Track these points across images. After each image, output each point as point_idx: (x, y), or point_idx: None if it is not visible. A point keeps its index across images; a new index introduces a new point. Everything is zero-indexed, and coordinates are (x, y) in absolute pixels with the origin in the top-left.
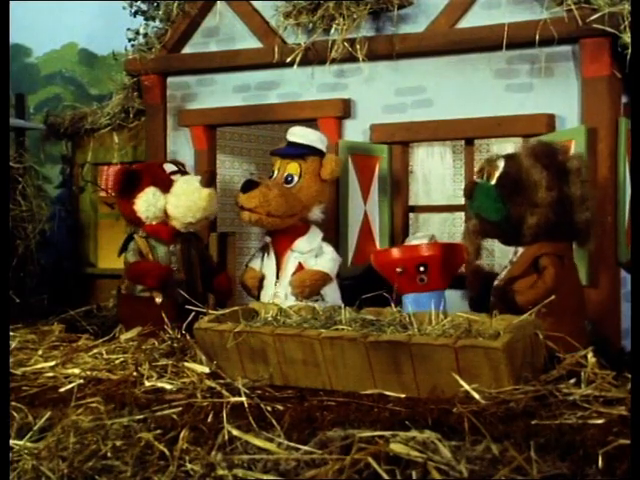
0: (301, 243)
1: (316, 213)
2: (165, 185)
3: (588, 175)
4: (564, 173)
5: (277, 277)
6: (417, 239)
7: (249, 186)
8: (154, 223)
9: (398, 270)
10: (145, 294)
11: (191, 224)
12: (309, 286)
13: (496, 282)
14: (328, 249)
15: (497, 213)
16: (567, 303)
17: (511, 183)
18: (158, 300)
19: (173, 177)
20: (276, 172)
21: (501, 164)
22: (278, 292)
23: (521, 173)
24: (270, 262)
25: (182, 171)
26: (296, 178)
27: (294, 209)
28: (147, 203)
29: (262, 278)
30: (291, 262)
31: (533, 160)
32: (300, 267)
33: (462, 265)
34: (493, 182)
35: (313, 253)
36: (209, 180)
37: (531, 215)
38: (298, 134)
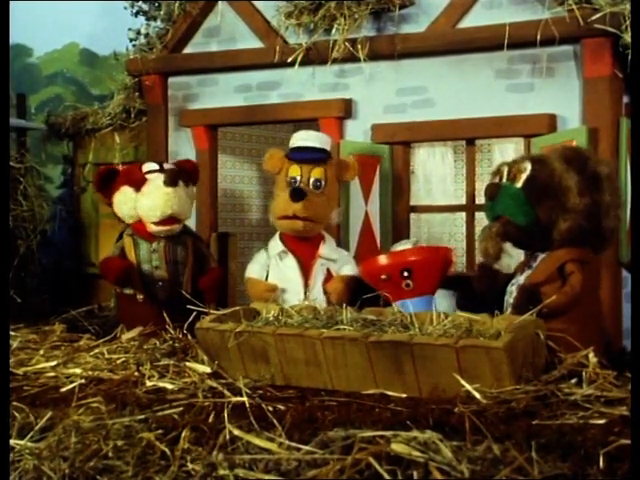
0: (326, 250)
1: (334, 217)
2: (138, 184)
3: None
4: (596, 179)
5: (306, 285)
6: (401, 245)
7: (301, 195)
8: (131, 222)
9: (382, 277)
10: (129, 292)
11: (157, 224)
12: (349, 291)
13: (513, 286)
14: (346, 253)
15: (525, 217)
16: (591, 310)
17: (541, 187)
18: (139, 297)
19: (148, 176)
20: (299, 178)
21: (528, 167)
22: (312, 300)
23: (552, 177)
24: (291, 270)
25: (164, 170)
26: (323, 183)
27: (329, 214)
28: (120, 202)
29: (276, 289)
30: (320, 269)
31: (566, 164)
32: (329, 274)
33: (449, 269)
34: (519, 185)
35: (335, 259)
36: (171, 178)
37: (564, 221)
38: (314, 138)
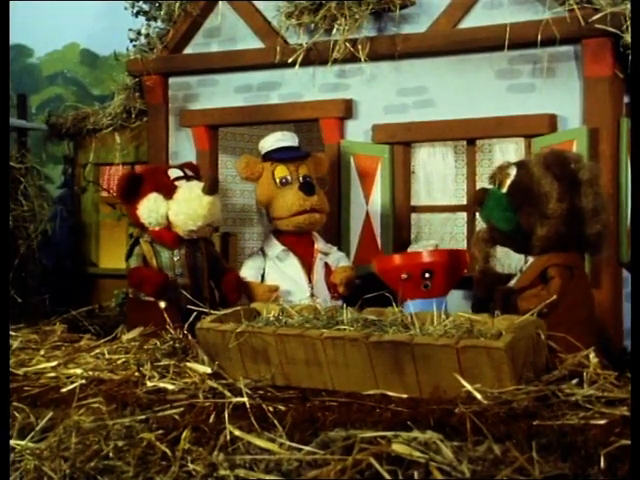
0: (321, 244)
1: None
2: (168, 191)
3: (602, 186)
4: (576, 184)
5: (310, 281)
6: (421, 245)
7: (314, 188)
8: (157, 228)
9: (403, 276)
10: (150, 298)
11: (193, 231)
12: (353, 281)
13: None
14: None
15: (507, 222)
16: (576, 314)
17: (522, 192)
18: (162, 305)
19: (177, 183)
20: (289, 176)
21: (513, 172)
22: (315, 295)
23: (532, 183)
24: (294, 270)
25: (188, 176)
26: (311, 178)
27: None
28: (149, 209)
29: (277, 289)
30: (319, 264)
31: (544, 170)
32: (328, 268)
33: (464, 271)
34: (504, 190)
35: (329, 252)
36: (211, 187)
37: (541, 226)
38: (290, 138)
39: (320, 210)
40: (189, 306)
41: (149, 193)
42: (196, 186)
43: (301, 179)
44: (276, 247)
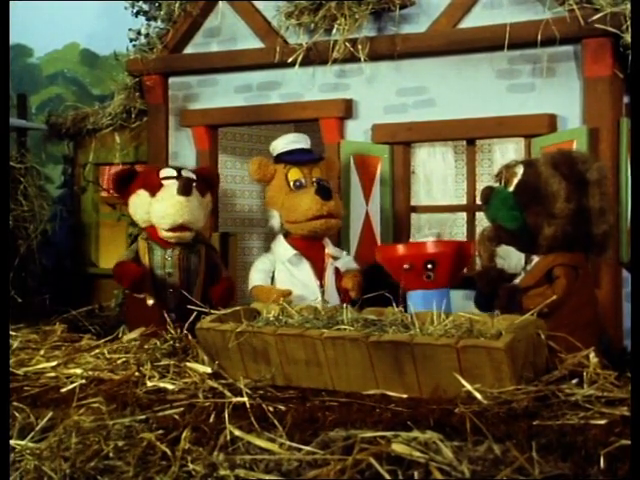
0: (331, 249)
1: None
2: (154, 189)
3: (609, 187)
4: (584, 184)
5: (321, 285)
6: (424, 237)
7: (331, 193)
8: (144, 226)
9: (406, 266)
10: (140, 295)
11: (166, 230)
12: (362, 286)
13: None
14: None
15: (513, 221)
16: (580, 315)
17: (529, 191)
18: (149, 302)
19: (165, 182)
20: (303, 179)
21: (520, 171)
22: (327, 299)
23: (540, 182)
24: (306, 274)
25: (181, 177)
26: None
27: None
28: (135, 205)
29: (290, 293)
30: (330, 269)
31: (553, 169)
32: (338, 272)
33: (468, 263)
34: (511, 189)
35: (339, 256)
36: (183, 188)
37: (548, 226)
38: (303, 140)
39: (336, 215)
40: (189, 306)
41: (138, 189)
42: (174, 186)
43: (315, 182)
44: (287, 251)
